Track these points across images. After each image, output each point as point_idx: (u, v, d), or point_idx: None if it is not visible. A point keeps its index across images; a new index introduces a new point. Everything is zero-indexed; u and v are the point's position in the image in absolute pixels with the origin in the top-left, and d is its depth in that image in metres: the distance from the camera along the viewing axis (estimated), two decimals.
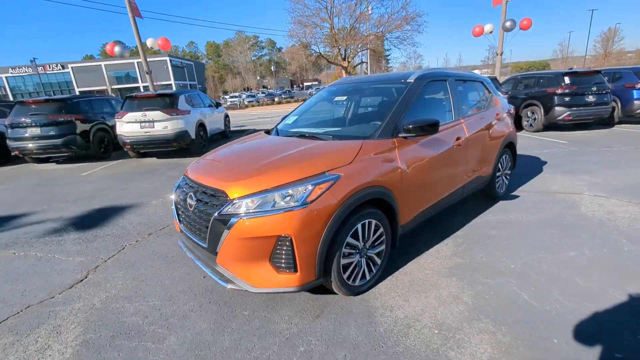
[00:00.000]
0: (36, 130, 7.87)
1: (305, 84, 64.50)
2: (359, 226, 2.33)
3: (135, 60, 46.06)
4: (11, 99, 34.50)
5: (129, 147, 8.09)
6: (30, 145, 7.94)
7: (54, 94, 46.33)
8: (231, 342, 2.09)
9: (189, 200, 2.40)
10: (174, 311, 2.43)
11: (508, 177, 4.35)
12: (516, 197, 4.30)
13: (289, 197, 2.07)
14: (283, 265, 2.09)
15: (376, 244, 2.53)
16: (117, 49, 12.60)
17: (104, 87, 45.82)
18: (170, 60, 47.80)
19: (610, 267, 2.63)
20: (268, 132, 3.39)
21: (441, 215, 3.79)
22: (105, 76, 47.41)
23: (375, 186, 2.36)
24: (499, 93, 4.34)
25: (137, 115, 7.78)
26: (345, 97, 3.65)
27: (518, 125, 9.52)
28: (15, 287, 2.88)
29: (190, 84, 52.86)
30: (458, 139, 3.18)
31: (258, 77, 55.71)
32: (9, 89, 50.60)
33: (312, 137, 2.86)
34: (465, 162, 3.34)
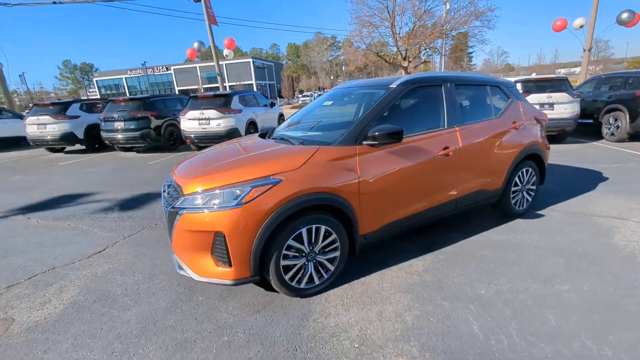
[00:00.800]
0: (121, 124, 9.35)
1: None
2: (304, 230, 2.36)
3: (224, 63, 50.78)
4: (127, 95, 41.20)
5: (189, 140, 9.09)
6: (118, 136, 9.46)
7: (159, 92, 53.68)
8: (174, 321, 2.33)
9: (163, 193, 2.71)
10: (148, 287, 2.77)
11: (532, 193, 3.83)
12: (540, 216, 3.77)
13: (227, 197, 2.21)
14: (220, 259, 2.25)
15: (327, 250, 2.53)
16: (196, 44, 14.16)
17: (197, 87, 51.42)
18: (253, 62, 51.47)
19: (602, 311, 2.21)
20: (263, 135, 3.57)
21: (434, 228, 3.54)
22: (199, 77, 53.18)
23: (322, 192, 2.36)
24: (524, 99, 3.82)
25: (196, 113, 8.70)
26: (331, 102, 3.63)
27: (597, 134, 8.16)
28: (54, 251, 3.57)
29: (269, 84, 56.23)
30: (446, 148, 2.94)
31: (332, 77, 56.66)
32: (127, 87, 60.15)
33: (286, 140, 2.95)
34: (457, 173, 3.07)
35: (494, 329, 2.09)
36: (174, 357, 2.01)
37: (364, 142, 2.59)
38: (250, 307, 2.44)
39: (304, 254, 2.43)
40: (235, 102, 8.94)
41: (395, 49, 20.38)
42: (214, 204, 2.21)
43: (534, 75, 8.22)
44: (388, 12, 19.09)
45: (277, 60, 78.72)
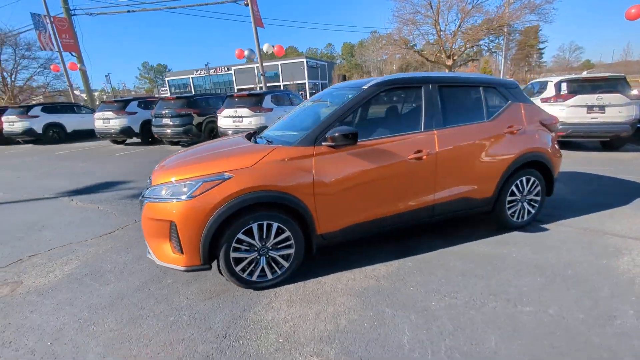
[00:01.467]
0: (168, 120, 10.24)
1: None
2: (255, 226, 2.46)
3: (279, 62, 52.58)
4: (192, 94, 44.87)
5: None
6: (166, 131, 10.39)
7: (221, 91, 57.32)
8: (138, 299, 2.58)
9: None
10: (132, 267, 3.08)
11: (535, 205, 3.46)
12: (542, 230, 3.41)
13: (180, 190, 2.39)
14: (175, 246, 2.44)
15: (281, 246, 2.59)
16: (246, 52, 14.91)
17: (253, 86, 53.90)
18: (307, 62, 52.42)
19: (558, 339, 1.97)
20: (253, 134, 3.69)
21: (416, 234, 3.39)
22: (256, 76, 55.65)
23: (272, 190, 2.43)
24: (528, 101, 3.45)
25: (231, 111, 9.21)
26: (311, 103, 3.63)
27: None
28: (77, 230, 4.10)
29: (322, 83, 56.85)
30: (418, 151, 2.82)
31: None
32: (193, 86, 65.08)
33: (262, 139, 3.06)
34: (433, 178, 2.92)
35: (425, 342, 1.99)
36: (124, 329, 2.24)
37: (323, 144, 2.59)
38: (206, 294, 2.60)
39: (255, 249, 2.52)
40: (267, 101, 9.29)
41: (437, 47, 19.30)
42: (169, 196, 2.41)
43: (584, 74, 7.29)
44: (432, 8, 18.12)
45: (331, 60, 79.18)
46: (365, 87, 2.85)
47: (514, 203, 3.37)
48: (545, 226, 3.49)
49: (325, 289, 2.60)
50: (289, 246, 2.61)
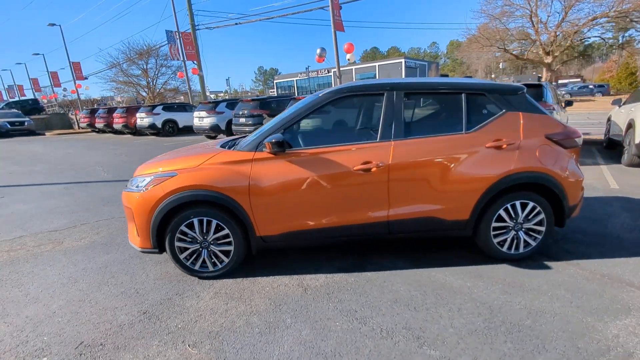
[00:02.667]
0: (244, 120, 11.41)
1: (560, 81, 50.98)
2: (195, 220, 2.70)
3: (376, 64, 52.22)
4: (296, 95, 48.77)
5: None
6: (243, 129, 11.61)
7: None
8: (116, 270, 3.10)
9: None
10: (126, 245, 3.68)
11: (537, 236, 2.81)
12: (541, 267, 2.76)
13: (138, 183, 2.79)
14: (137, 230, 2.86)
15: (221, 242, 2.77)
16: (319, 50, 15.46)
17: None
18: (405, 62, 50.69)
19: None
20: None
21: (385, 250, 3.14)
22: (354, 78, 56.44)
23: (209, 190, 2.63)
24: (536, 109, 2.76)
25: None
26: (286, 109, 3.61)
27: None
28: (109, 208, 5.03)
29: None
30: (366, 163, 2.62)
31: (492, 75, 49.48)
32: (297, 88, 69.81)
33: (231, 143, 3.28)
34: (384, 193, 2.67)
35: (294, 359, 1.91)
36: (88, 290, 2.75)
37: (264, 150, 2.67)
38: (162, 275, 2.96)
39: (197, 241, 2.77)
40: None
41: (531, 43, 16.17)
42: (133, 187, 2.83)
43: None
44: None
45: (434, 59, 74.52)
46: (320, 95, 2.79)
47: (504, 231, 2.82)
48: (551, 263, 2.81)
49: (254, 288, 2.68)
50: (229, 243, 2.77)
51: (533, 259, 2.87)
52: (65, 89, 39.16)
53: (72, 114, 29.48)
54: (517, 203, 2.74)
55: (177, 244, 2.76)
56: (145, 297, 2.62)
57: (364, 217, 2.74)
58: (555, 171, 2.70)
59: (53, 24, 26.50)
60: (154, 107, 17.04)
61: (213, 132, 13.26)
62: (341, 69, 15.82)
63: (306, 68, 47.60)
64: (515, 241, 2.84)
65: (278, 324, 2.22)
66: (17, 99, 39.16)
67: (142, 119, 16.80)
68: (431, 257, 3.02)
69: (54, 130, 25.40)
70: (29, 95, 43.43)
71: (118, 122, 18.31)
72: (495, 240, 2.82)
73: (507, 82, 4.17)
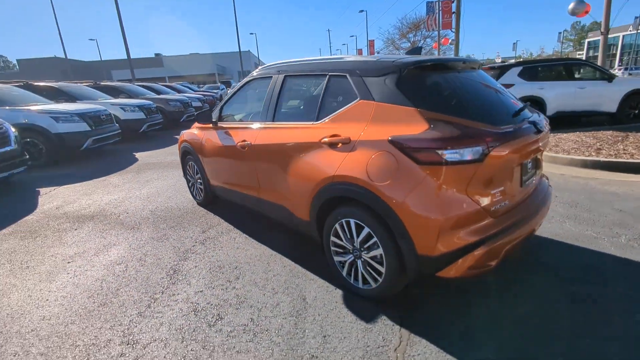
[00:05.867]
0: None
1: None
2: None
3: None
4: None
5: None
6: None
7: None
8: (176, 222, 5.06)
9: None
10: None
11: (378, 277, 1.97)
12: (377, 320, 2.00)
13: None
14: None
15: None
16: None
17: None
18: None
19: None
20: None
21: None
22: None
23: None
24: (402, 99, 1.64)
25: None
26: None
27: None
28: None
29: None
30: (243, 141, 2.87)
31: None
32: (620, 47, 49.44)
33: None
34: (255, 172, 2.82)
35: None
36: (151, 237, 4.84)
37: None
38: (202, 238, 4.59)
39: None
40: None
41: None
42: None
43: None
44: None
45: None
46: (245, 78, 3.17)
47: (342, 251, 2.21)
48: (392, 328, 1.95)
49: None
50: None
51: (378, 309, 2.08)
52: None
53: None
54: (352, 222, 2.07)
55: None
56: (159, 251, 4.36)
57: (246, 191, 3.06)
58: (385, 192, 1.79)
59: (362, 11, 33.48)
60: None
61: None
62: None
63: (636, 18, 32.93)
64: (354, 270, 2.17)
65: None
66: None
67: None
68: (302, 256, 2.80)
69: None
70: None
71: None
72: (336, 259, 2.28)
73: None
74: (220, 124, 3.31)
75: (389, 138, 1.82)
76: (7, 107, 6.73)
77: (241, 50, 36.11)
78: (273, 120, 2.68)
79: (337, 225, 2.18)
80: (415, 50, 2.94)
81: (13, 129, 5.48)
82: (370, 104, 1.99)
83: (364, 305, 2.12)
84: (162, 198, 4.58)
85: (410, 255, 1.81)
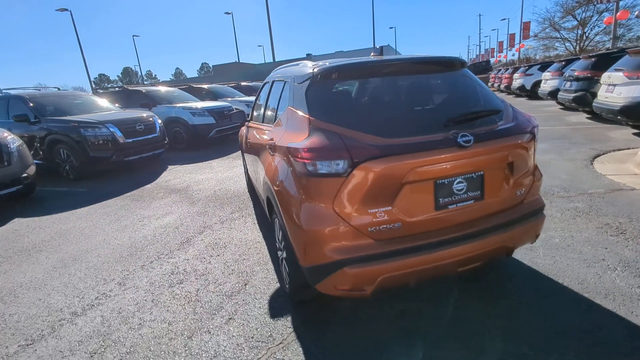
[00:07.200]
0: (568, 84, 8.48)
1: None
2: None
3: None
4: None
5: None
6: (566, 96, 8.76)
7: None
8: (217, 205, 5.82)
9: None
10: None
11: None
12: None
13: None
14: None
15: None
16: None
17: None
18: None
19: None
20: None
21: None
22: None
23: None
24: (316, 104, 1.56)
25: None
26: None
27: None
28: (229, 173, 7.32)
29: None
30: (247, 138, 3.25)
31: None
32: None
33: None
34: (254, 168, 3.19)
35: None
36: (192, 212, 5.74)
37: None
38: (224, 214, 5.30)
39: None
40: None
41: None
42: None
43: None
44: None
45: None
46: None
47: (279, 248, 2.32)
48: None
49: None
50: None
51: (293, 310, 2.13)
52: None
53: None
54: (276, 221, 2.18)
55: None
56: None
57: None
58: (277, 197, 1.90)
59: None
60: (530, 67, 15.52)
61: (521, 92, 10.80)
62: None
63: None
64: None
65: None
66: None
67: (516, 80, 16.04)
68: None
69: None
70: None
71: (504, 83, 18.58)
72: (278, 252, 2.41)
73: None
74: (248, 124, 3.77)
75: (287, 145, 1.84)
76: (166, 104, 9.19)
77: (381, 45, 36.35)
78: (262, 122, 2.96)
79: (275, 222, 2.31)
80: (376, 50, 2.62)
81: (159, 121, 7.51)
82: (290, 110, 2.03)
83: (286, 302, 2.20)
84: (232, 182, 5.45)
85: (296, 262, 1.81)
